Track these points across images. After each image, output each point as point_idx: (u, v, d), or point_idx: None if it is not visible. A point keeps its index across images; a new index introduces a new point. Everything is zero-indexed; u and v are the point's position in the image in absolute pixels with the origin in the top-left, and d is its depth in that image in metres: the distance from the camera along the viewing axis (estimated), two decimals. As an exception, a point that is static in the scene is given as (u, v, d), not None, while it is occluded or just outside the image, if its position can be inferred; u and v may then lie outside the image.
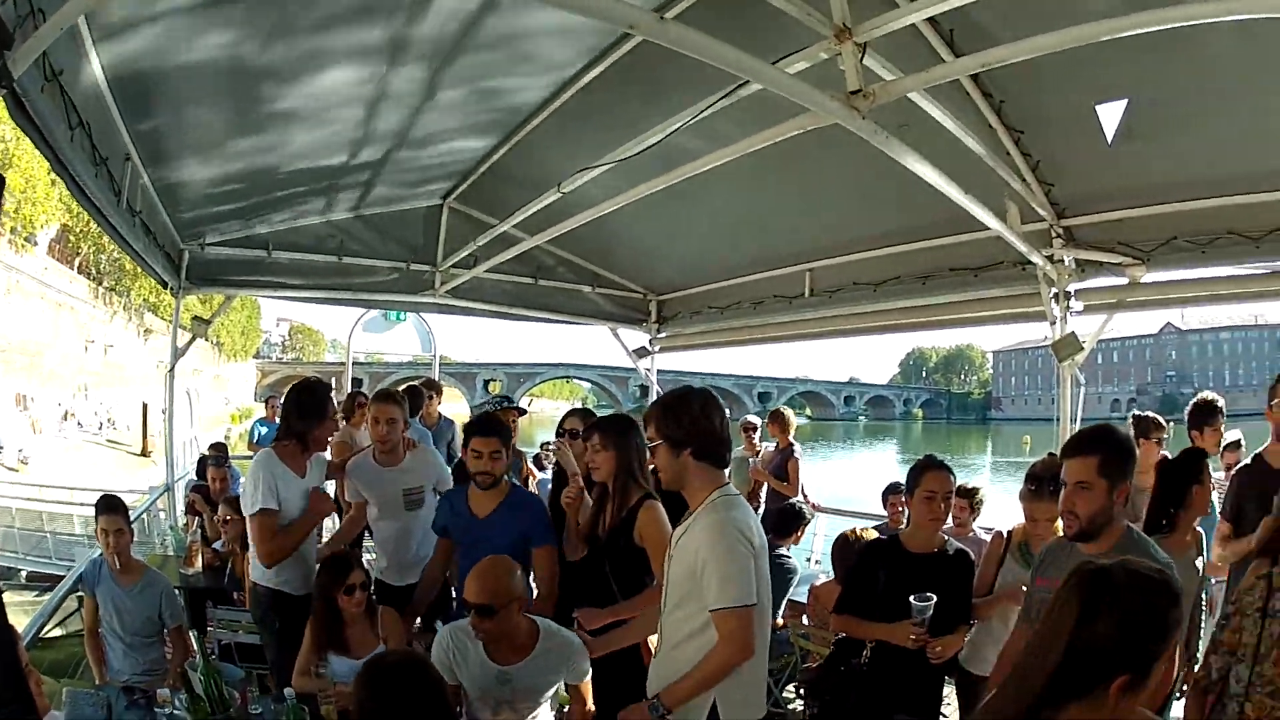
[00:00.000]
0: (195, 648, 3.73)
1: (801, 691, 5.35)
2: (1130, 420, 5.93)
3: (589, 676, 3.39)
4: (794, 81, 3.17)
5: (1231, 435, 5.74)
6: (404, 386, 6.95)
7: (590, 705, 3.42)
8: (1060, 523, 3.15)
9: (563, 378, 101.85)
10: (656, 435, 2.75)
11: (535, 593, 4.00)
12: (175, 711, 3.29)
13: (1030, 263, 5.43)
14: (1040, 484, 3.80)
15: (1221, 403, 5.33)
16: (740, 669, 2.63)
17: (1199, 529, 3.81)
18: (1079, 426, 5.47)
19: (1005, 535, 4.15)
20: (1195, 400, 5.40)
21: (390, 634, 3.77)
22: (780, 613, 5.86)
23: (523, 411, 7.02)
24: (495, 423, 4.23)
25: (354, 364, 15.29)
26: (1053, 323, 5.76)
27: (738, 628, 2.55)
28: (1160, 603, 1.54)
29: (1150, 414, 5.91)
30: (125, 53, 3.65)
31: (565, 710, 3.53)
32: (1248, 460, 4.38)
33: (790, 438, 8.06)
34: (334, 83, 4.50)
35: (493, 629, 3.11)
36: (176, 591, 4.93)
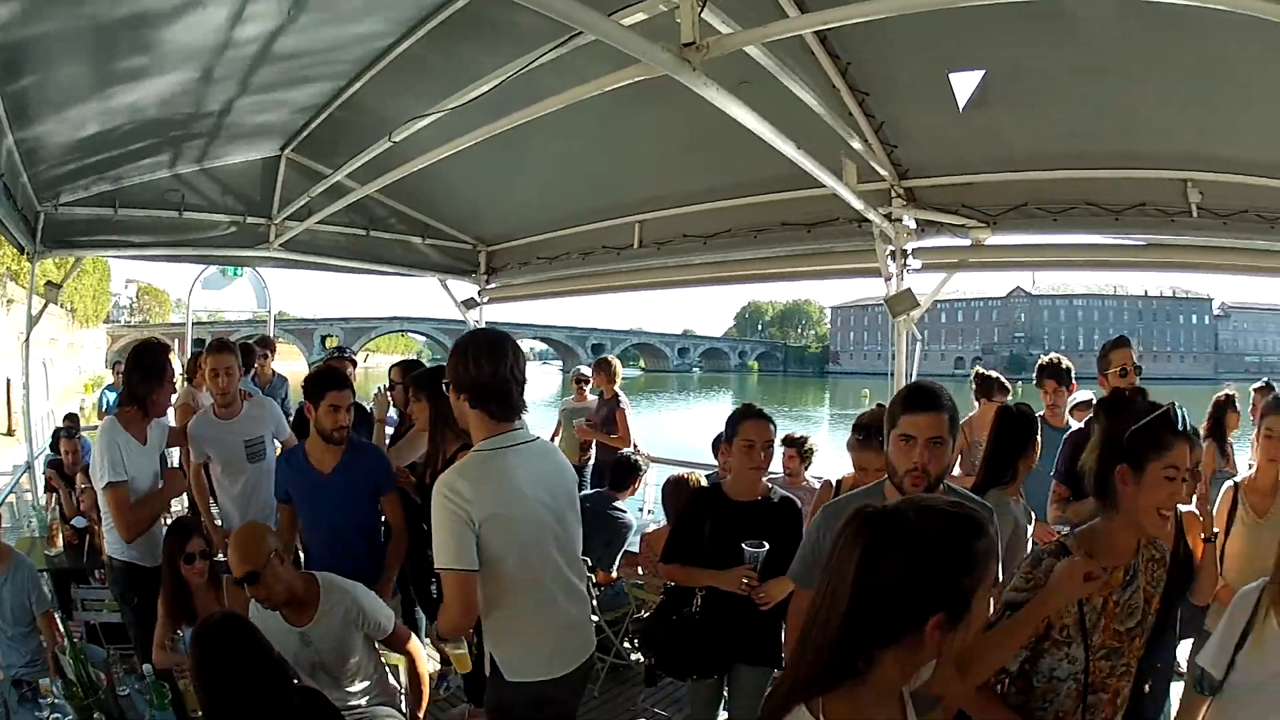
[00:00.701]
0: (62, 631, 3.54)
1: (636, 642, 5.37)
2: (973, 377, 6.21)
3: (410, 638, 3.44)
4: (626, 33, 3.12)
5: (1083, 395, 6.01)
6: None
7: (426, 666, 3.43)
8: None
9: (399, 331, 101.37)
10: (449, 379, 2.69)
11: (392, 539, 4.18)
12: (55, 700, 3.15)
13: (867, 220, 5.53)
14: (868, 434, 3.87)
15: (1068, 364, 5.54)
16: (517, 628, 2.66)
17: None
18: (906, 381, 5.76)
19: (835, 484, 4.27)
20: (1044, 359, 5.64)
21: (233, 601, 3.59)
22: (616, 565, 5.91)
23: (355, 363, 7.12)
24: (344, 375, 4.23)
25: (196, 324, 14.76)
26: (888, 279, 5.90)
27: (452, 591, 2.51)
28: (959, 535, 1.49)
29: (994, 373, 6.19)
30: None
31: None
32: (1083, 424, 4.53)
33: (616, 387, 8.04)
34: (182, 32, 4.30)
35: (266, 593, 3.11)
36: (43, 574, 4.75)
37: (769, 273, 7.17)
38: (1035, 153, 5.38)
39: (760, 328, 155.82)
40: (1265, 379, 6.15)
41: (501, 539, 2.53)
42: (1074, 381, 5.54)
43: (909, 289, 5.75)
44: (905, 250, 5.82)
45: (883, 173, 5.47)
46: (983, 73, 4.62)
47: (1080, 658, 2.31)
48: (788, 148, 4.16)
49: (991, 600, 1.95)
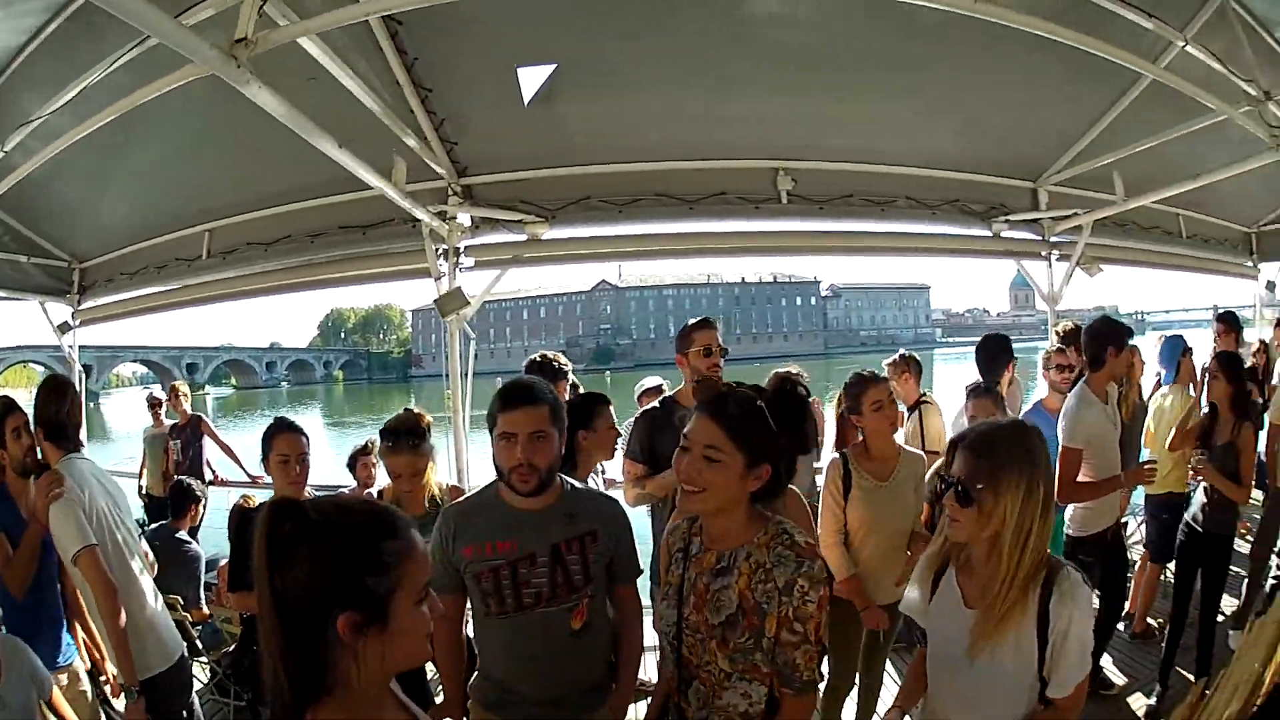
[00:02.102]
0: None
1: (230, 675, 5.27)
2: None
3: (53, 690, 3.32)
4: (181, 30, 3.06)
5: (650, 381, 6.52)
6: None
7: None
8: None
9: (20, 362, 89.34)
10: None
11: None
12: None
13: (420, 220, 5.75)
14: (397, 439, 4.04)
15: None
16: (133, 617, 2.94)
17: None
18: (471, 381, 6.26)
19: (378, 494, 4.47)
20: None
21: None
22: (202, 601, 5.88)
23: None
24: None
25: None
26: (438, 279, 6.12)
27: (86, 568, 2.81)
28: (365, 533, 1.53)
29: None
30: None
31: None
32: (658, 402, 4.64)
33: (188, 408, 8.18)
34: None
35: None
36: None
37: (328, 278, 7.18)
38: (601, 146, 5.78)
39: (343, 335, 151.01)
40: (902, 350, 6.71)
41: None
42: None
43: (459, 288, 5.99)
44: (458, 249, 6.04)
45: (440, 171, 5.74)
46: (553, 67, 4.91)
47: (672, 619, 2.53)
48: (330, 147, 4.19)
49: None
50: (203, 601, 5.98)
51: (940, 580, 2.55)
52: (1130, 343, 4.97)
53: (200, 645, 5.36)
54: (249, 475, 8.17)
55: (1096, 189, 7.31)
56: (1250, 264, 10.81)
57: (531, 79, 4.98)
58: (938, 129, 6.49)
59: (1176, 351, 6.42)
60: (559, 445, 2.88)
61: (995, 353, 5.91)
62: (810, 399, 4.54)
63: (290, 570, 1.46)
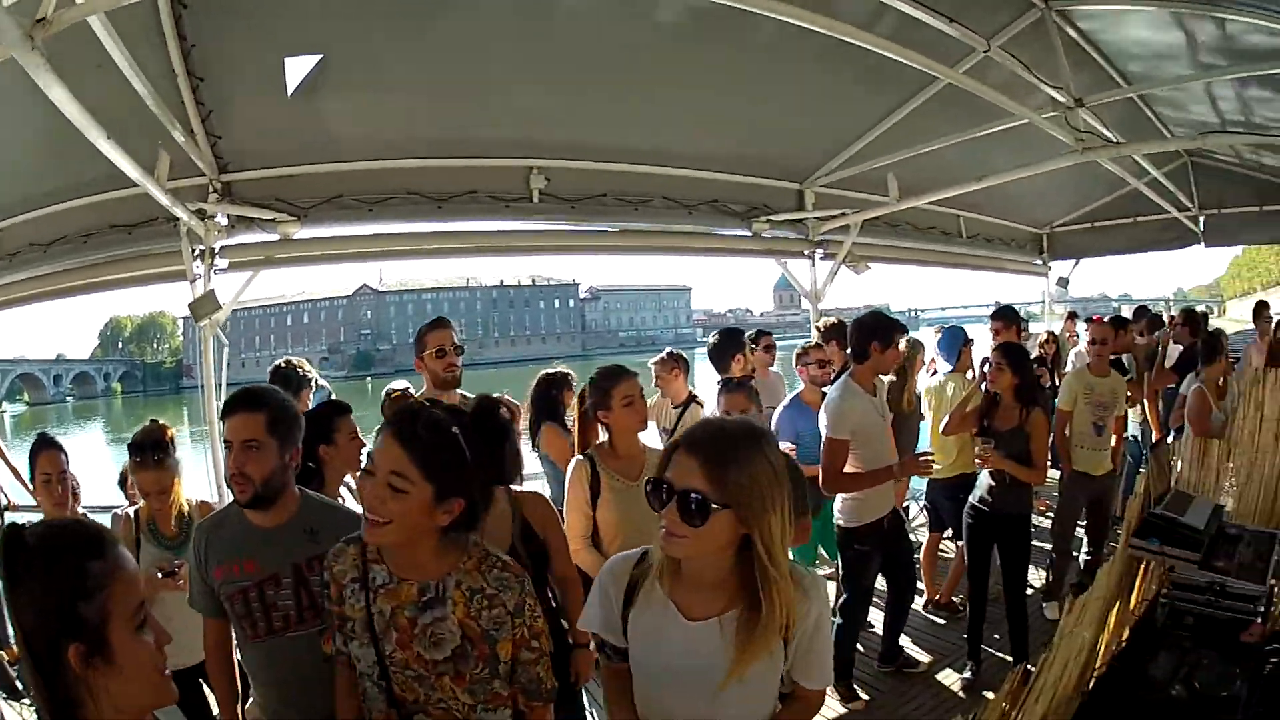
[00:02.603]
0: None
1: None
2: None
3: None
4: None
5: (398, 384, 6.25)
6: None
7: None
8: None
9: None
10: None
11: None
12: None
13: (180, 219, 5.48)
14: (144, 453, 3.86)
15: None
16: None
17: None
18: (225, 390, 5.68)
19: (133, 515, 4.08)
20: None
21: None
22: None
23: None
24: None
25: None
26: (193, 281, 5.77)
27: None
28: (71, 556, 1.46)
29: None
30: None
31: None
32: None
33: None
34: None
35: None
36: None
37: (96, 281, 6.43)
38: (358, 143, 5.65)
39: (120, 345, 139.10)
40: (670, 348, 6.69)
41: None
42: None
43: (212, 291, 5.70)
44: (214, 249, 5.78)
45: (202, 166, 5.46)
46: (320, 58, 4.77)
47: (371, 658, 2.34)
48: (99, 139, 3.98)
49: None
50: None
51: (634, 594, 2.22)
52: (910, 338, 5.41)
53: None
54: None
55: (871, 191, 7.80)
56: (1041, 262, 12.06)
57: (297, 70, 4.82)
58: (700, 130, 6.70)
59: (958, 342, 6.84)
60: (281, 456, 2.75)
61: (724, 345, 6.17)
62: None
63: (20, 601, 1.42)
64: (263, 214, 5.67)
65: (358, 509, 2.58)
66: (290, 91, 4.88)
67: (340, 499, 3.73)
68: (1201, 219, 10.39)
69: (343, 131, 5.57)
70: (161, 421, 3.94)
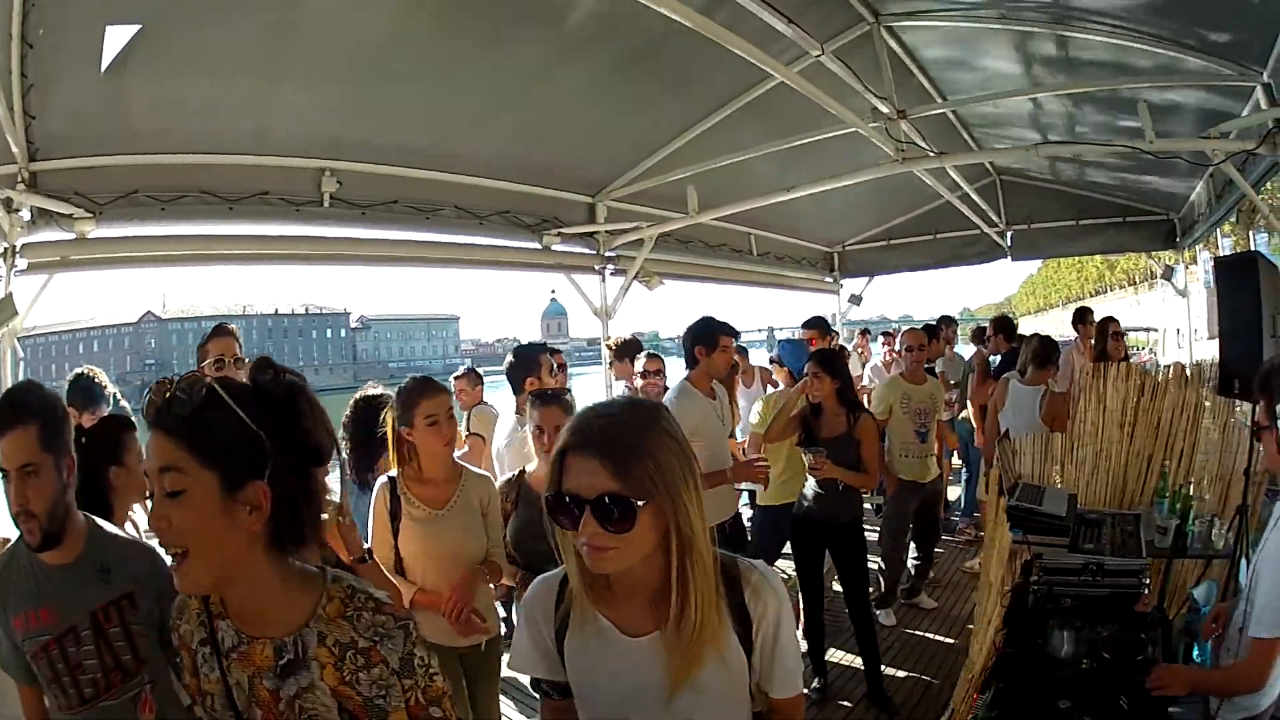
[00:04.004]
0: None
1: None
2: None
3: None
4: None
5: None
6: None
7: None
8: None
9: None
10: None
11: None
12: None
13: None
14: None
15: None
16: None
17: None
18: None
19: None
20: None
21: None
22: None
23: None
24: None
25: None
26: None
27: None
28: None
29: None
30: None
31: None
32: None
33: None
34: None
35: None
36: None
37: None
38: (159, 134, 5.06)
39: None
40: (468, 364, 7.08)
41: None
42: None
43: (10, 295, 5.04)
44: (15, 247, 5.06)
45: (15, 150, 4.74)
46: (138, 29, 4.13)
47: None
48: None
49: None
50: None
51: (567, 619, 1.91)
52: (735, 344, 5.48)
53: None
54: None
55: (670, 206, 7.86)
56: (832, 279, 12.46)
57: (116, 41, 4.13)
58: (491, 136, 6.46)
59: (801, 351, 7.03)
60: (59, 474, 2.31)
61: (520, 365, 5.90)
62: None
63: None
64: (60, 208, 4.98)
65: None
66: (103, 67, 4.27)
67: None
68: (1009, 234, 11.01)
69: (144, 120, 4.95)
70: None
